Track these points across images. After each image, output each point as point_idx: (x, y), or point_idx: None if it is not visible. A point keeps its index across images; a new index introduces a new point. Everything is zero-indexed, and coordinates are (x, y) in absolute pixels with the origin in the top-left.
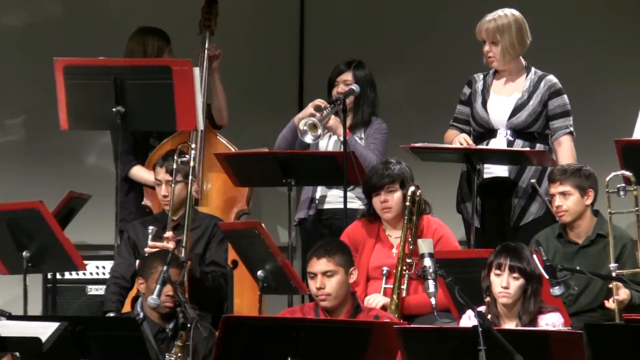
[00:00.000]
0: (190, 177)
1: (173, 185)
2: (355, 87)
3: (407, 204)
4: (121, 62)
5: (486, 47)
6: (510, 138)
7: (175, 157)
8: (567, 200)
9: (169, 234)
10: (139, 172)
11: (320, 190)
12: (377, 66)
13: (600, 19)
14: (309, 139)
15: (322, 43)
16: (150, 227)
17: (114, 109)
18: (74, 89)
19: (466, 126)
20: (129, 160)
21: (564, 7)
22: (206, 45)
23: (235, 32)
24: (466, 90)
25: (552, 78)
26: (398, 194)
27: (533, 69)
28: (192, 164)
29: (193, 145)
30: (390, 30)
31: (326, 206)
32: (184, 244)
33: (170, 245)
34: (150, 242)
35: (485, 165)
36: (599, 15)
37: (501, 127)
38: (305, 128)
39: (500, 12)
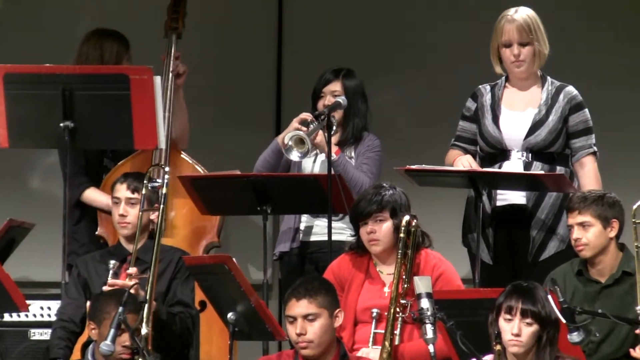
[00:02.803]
0: (161, 205)
1: (140, 211)
2: (342, 99)
3: (402, 235)
4: (70, 69)
5: (515, 50)
6: (527, 160)
7: (145, 182)
8: (587, 233)
9: (132, 270)
10: (93, 195)
11: (305, 220)
12: (367, 76)
13: (625, 21)
14: (295, 156)
15: (303, 48)
16: (112, 262)
17: (61, 124)
18: (16, 100)
19: (472, 146)
20: (80, 183)
21: (586, 8)
22: (172, 50)
23: (205, 33)
24: (470, 105)
25: (572, 89)
26: (388, 224)
27: (549, 78)
28: (164, 190)
29: (167, 169)
30: (380, 35)
31: (312, 238)
32: (149, 283)
33: (132, 282)
34: (109, 280)
35: (499, 192)
36: (623, 16)
37: (515, 148)
38: (290, 143)
39: (515, 8)
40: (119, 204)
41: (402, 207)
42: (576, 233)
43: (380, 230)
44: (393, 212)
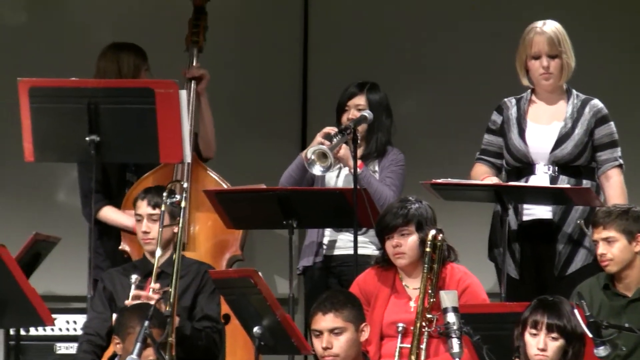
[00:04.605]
0: (181, 219)
1: (160, 228)
2: (367, 113)
3: (427, 249)
4: (96, 83)
5: (544, 62)
6: (553, 174)
7: (164, 198)
8: (612, 248)
9: (156, 285)
10: (110, 214)
11: (328, 234)
12: (391, 88)
13: None
14: (317, 170)
15: (328, 60)
16: (134, 276)
17: (87, 138)
18: (41, 114)
19: (498, 159)
20: (97, 200)
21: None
22: (194, 64)
23: (227, 47)
24: (496, 118)
25: (597, 102)
26: (413, 238)
27: (574, 92)
28: (183, 204)
29: (185, 185)
30: (405, 47)
31: (336, 252)
32: (171, 297)
33: (155, 296)
34: (133, 292)
35: (526, 206)
36: None
37: (542, 161)
38: (312, 157)
39: (543, 21)
40: (141, 221)
41: (427, 220)
42: (601, 248)
43: (406, 243)
44: (419, 226)
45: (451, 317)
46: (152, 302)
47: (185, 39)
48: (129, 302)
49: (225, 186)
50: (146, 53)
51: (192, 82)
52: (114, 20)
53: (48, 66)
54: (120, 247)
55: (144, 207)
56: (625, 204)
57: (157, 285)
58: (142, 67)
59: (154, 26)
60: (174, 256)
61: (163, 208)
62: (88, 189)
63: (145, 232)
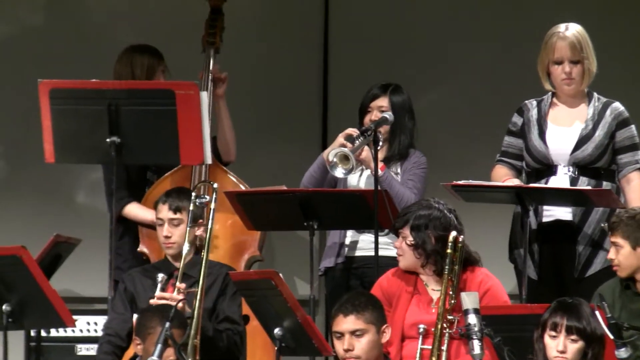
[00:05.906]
0: (210, 221)
1: (188, 226)
2: (388, 115)
3: (448, 251)
4: (116, 84)
5: (566, 67)
6: (574, 175)
7: (193, 198)
8: (618, 254)
9: (182, 285)
10: (135, 210)
11: (350, 235)
12: (411, 90)
13: None
14: (339, 172)
15: (348, 61)
16: (160, 275)
17: (107, 140)
18: (62, 115)
19: (518, 161)
20: (121, 198)
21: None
22: (210, 66)
23: (246, 48)
24: (517, 120)
25: (618, 105)
26: (408, 240)
27: (595, 95)
28: (212, 206)
29: (215, 185)
30: (425, 49)
31: (357, 253)
32: (197, 299)
33: (180, 297)
34: (158, 293)
35: (546, 207)
36: None
37: (562, 162)
38: (334, 160)
39: (566, 25)
40: (162, 225)
41: (435, 225)
42: (610, 253)
43: (403, 245)
44: (415, 228)
45: (472, 319)
46: (176, 302)
47: (202, 40)
48: (154, 301)
49: (243, 187)
50: (162, 54)
51: (211, 84)
52: (132, 20)
53: (68, 68)
54: (138, 249)
55: (165, 211)
56: (637, 209)
57: (184, 285)
58: (157, 68)
59: (172, 27)
60: (196, 257)
61: (192, 207)
62: (114, 187)
63: (167, 237)
